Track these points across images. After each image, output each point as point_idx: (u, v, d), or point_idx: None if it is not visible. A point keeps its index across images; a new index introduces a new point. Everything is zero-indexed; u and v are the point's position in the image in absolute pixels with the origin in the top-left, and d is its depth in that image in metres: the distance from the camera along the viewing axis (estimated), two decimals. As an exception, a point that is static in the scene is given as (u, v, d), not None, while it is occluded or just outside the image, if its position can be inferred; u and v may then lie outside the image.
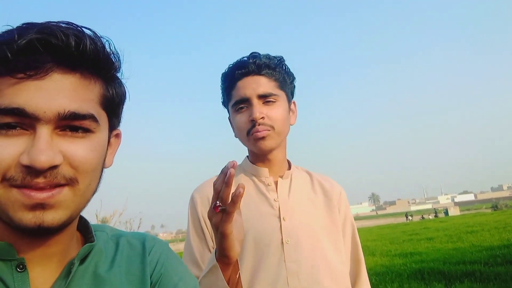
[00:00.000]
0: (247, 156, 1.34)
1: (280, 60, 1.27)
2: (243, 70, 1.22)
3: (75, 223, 0.63)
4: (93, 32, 0.56)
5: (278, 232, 1.17)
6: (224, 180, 0.86)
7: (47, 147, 0.51)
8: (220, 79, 1.31)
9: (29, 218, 0.51)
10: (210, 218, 0.93)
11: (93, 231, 0.66)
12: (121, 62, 0.61)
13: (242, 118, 1.21)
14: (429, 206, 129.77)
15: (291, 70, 1.31)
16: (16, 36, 0.50)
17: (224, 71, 1.28)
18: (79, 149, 0.55)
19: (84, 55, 0.54)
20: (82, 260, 0.62)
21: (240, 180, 1.28)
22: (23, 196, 0.50)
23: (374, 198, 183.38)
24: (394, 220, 56.12)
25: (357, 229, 1.37)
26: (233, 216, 0.89)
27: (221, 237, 0.91)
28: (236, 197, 0.85)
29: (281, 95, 1.24)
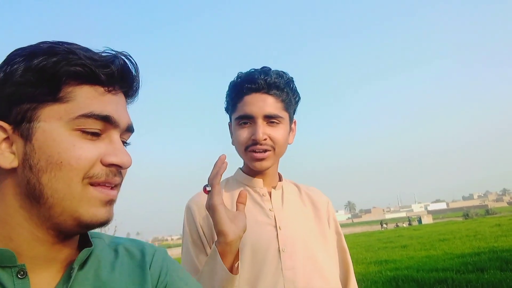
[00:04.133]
0: (240, 168, 1.37)
1: (289, 80, 1.28)
2: (252, 86, 1.22)
3: None
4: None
5: (275, 240, 1.19)
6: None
7: (125, 150, 0.63)
8: (228, 86, 1.31)
9: (103, 212, 0.59)
10: (206, 207, 1.05)
11: (90, 237, 0.68)
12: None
13: (244, 134, 1.23)
14: (403, 214, 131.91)
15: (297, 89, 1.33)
16: (112, 56, 0.62)
17: (233, 80, 1.29)
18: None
19: (135, 85, 0.68)
20: (82, 265, 0.63)
21: (235, 190, 1.30)
22: (101, 193, 0.59)
23: (350, 206, 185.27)
24: (370, 228, 56.83)
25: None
26: (218, 189, 1.03)
27: (213, 211, 1.01)
28: (219, 168, 1.04)
29: (285, 116, 1.26)
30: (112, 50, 0.63)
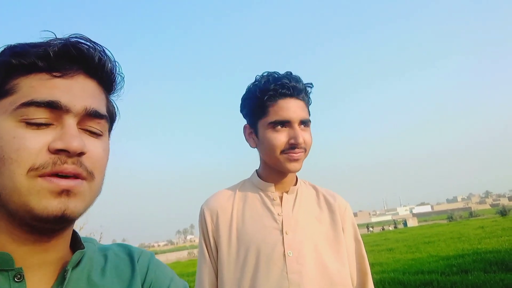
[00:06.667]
0: (256, 170, 1.40)
1: (310, 86, 1.33)
2: (286, 91, 1.25)
3: (70, 230, 0.65)
4: (110, 52, 0.65)
5: (281, 245, 1.22)
6: None
7: (78, 134, 0.56)
8: (246, 89, 1.34)
9: (55, 204, 0.53)
10: None
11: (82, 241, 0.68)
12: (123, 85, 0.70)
13: (279, 137, 1.24)
14: (389, 218, 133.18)
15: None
16: (56, 40, 0.59)
17: (260, 83, 1.29)
18: (96, 146, 0.60)
19: (103, 68, 0.63)
20: (75, 268, 0.63)
21: (248, 193, 1.36)
22: (50, 184, 0.53)
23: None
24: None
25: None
26: None
27: None
28: None
29: (310, 120, 1.31)
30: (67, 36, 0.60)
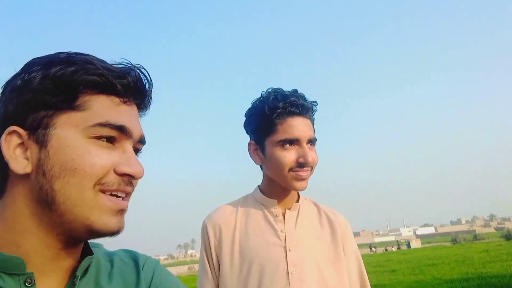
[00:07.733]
0: (259, 186, 1.42)
1: (315, 105, 1.36)
2: (295, 109, 1.27)
3: None
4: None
5: (284, 261, 1.23)
6: None
7: (138, 161, 0.63)
8: (251, 105, 1.36)
9: (114, 222, 0.60)
10: None
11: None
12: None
13: (288, 156, 1.25)
14: (392, 238, 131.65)
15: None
16: (133, 69, 0.64)
17: (268, 100, 1.30)
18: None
19: (148, 98, 0.69)
20: (83, 273, 0.65)
21: (250, 209, 1.37)
22: (111, 202, 0.59)
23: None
24: (359, 251, 56.42)
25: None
26: None
27: None
28: None
29: (316, 139, 1.32)
30: (128, 62, 0.64)
